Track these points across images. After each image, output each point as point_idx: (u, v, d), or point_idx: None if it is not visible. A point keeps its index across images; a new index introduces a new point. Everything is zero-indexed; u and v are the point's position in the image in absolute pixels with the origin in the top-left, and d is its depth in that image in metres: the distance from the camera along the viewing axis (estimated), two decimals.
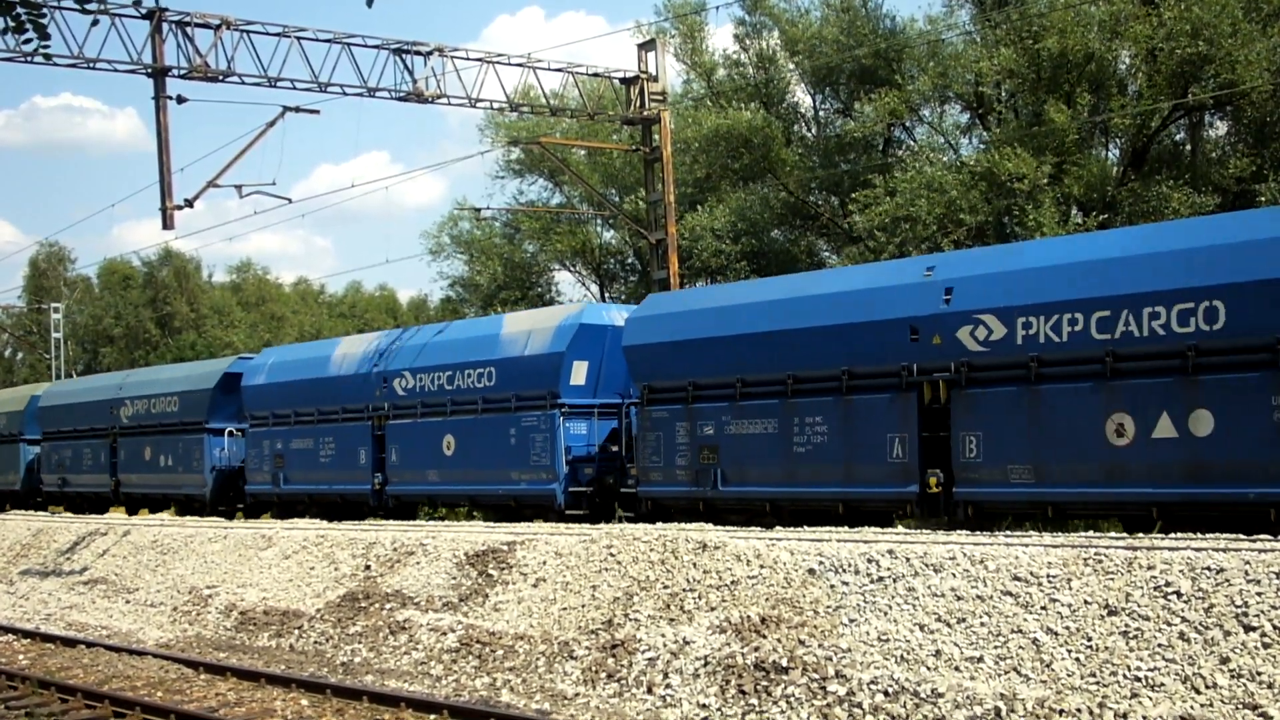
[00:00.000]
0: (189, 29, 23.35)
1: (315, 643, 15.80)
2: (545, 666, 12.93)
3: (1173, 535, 12.97)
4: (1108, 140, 32.20)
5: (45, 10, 7.08)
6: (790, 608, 12.50)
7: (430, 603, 15.75)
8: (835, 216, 36.68)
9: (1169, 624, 10.22)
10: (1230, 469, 13.59)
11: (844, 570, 12.73)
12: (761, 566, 13.39)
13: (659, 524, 17.59)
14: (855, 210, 31.51)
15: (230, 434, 28.28)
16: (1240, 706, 9.21)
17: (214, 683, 13.97)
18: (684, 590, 13.55)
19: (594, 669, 12.47)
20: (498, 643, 13.81)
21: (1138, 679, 9.83)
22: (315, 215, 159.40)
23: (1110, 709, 9.37)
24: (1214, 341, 13.74)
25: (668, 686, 11.73)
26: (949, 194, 29.13)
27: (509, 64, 26.57)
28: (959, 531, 14.93)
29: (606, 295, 44.43)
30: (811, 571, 12.95)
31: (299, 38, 24.17)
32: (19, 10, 6.76)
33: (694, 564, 13.95)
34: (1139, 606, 10.52)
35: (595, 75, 28.02)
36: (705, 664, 11.76)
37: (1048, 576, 11.33)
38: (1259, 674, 9.42)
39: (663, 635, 12.55)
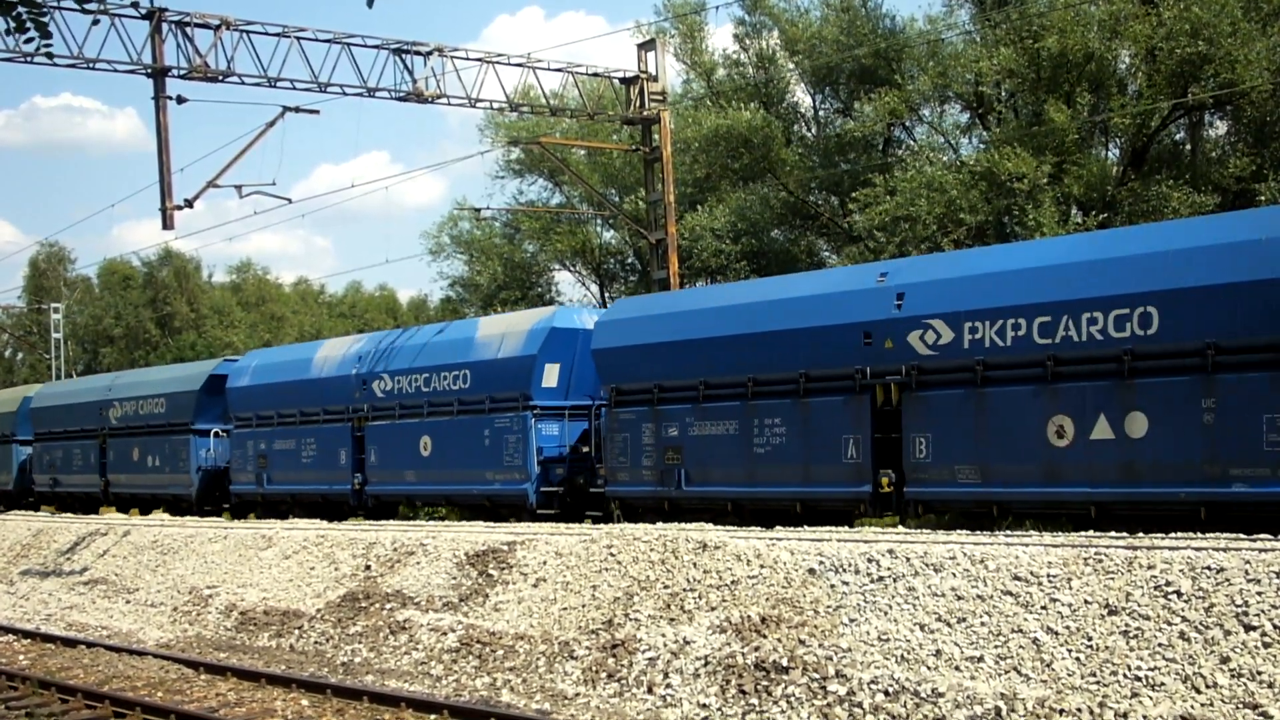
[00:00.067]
0: (189, 29, 23.35)
1: (315, 643, 15.80)
2: (545, 666, 12.93)
3: (1173, 535, 12.98)
4: (1108, 140, 32.21)
5: (46, 9, 7.08)
6: (790, 607, 12.51)
7: (430, 603, 15.75)
8: (835, 216, 36.68)
9: (1169, 623, 10.22)
10: (1163, 469, 14.10)
11: (844, 570, 12.73)
12: (762, 566, 13.39)
13: (659, 524, 17.64)
14: (855, 210, 31.51)
15: (216, 435, 28.83)
16: (1240, 706, 9.21)
17: (214, 683, 13.97)
18: (684, 590, 13.55)
19: (594, 669, 12.48)
20: (498, 643, 13.82)
21: (1138, 678, 9.83)
22: (315, 215, 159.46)
23: (1110, 709, 9.37)
24: (1148, 346, 14.25)
25: (668, 686, 11.73)
26: (949, 194, 29.13)
27: (509, 64, 26.58)
28: (959, 531, 14.96)
29: (606, 295, 44.43)
30: (812, 571, 12.95)
31: (299, 38, 24.17)
32: (19, 9, 6.76)
33: (694, 564, 13.95)
34: (1139, 606, 10.52)
35: (595, 75, 28.03)
36: (705, 664, 11.76)
37: (1048, 576, 11.33)
38: (1259, 673, 9.42)
39: (663, 635, 12.56)
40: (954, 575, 11.88)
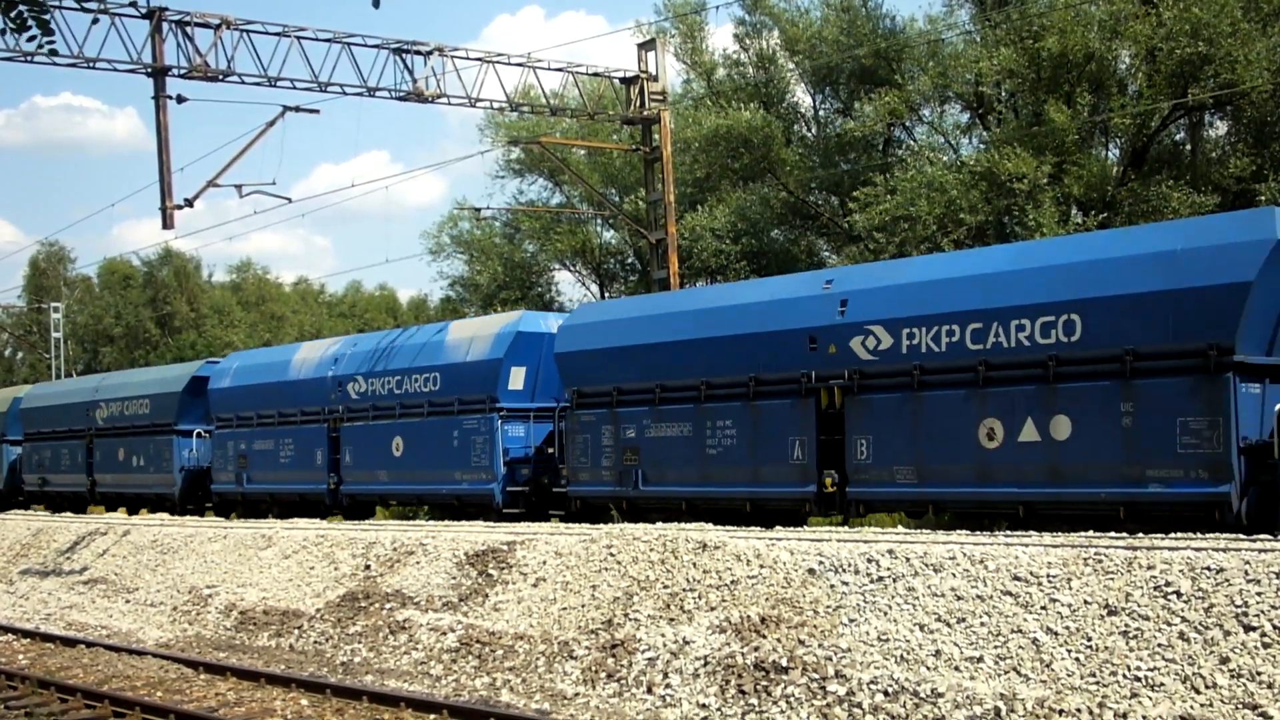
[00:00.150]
0: (189, 28, 23.35)
1: (315, 642, 15.80)
2: (545, 666, 12.93)
3: (1173, 535, 12.99)
4: (1108, 140, 32.19)
5: (47, 7, 7.08)
6: (790, 608, 12.51)
7: (430, 602, 15.75)
8: (835, 216, 36.67)
9: (1169, 624, 10.22)
10: (1086, 470, 14.66)
11: (844, 570, 12.73)
12: (761, 566, 13.39)
13: (659, 524, 17.66)
14: (856, 209, 31.51)
15: (198, 435, 29.45)
16: (1240, 706, 9.21)
17: (214, 682, 13.97)
18: (684, 590, 13.55)
19: (594, 669, 12.47)
20: (497, 642, 13.81)
21: (1138, 679, 9.83)
22: (315, 215, 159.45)
23: (1110, 709, 9.37)
24: (1072, 352, 14.83)
25: (668, 686, 11.73)
26: (949, 194, 29.13)
27: (509, 64, 26.57)
28: (959, 531, 14.97)
29: (607, 295, 44.42)
30: (811, 571, 12.95)
31: (299, 37, 24.17)
32: (21, 7, 6.77)
33: (694, 564, 13.95)
34: (1139, 606, 10.52)
35: (595, 75, 28.02)
36: (705, 664, 11.76)
37: (1048, 576, 11.33)
38: (1259, 674, 9.42)
39: (662, 635, 12.55)
40: (954, 575, 11.88)
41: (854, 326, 16.88)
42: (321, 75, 24.28)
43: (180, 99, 23.50)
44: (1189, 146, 31.89)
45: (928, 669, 10.85)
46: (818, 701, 10.61)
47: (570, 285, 66.14)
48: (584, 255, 44.67)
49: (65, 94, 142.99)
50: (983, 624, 11.16)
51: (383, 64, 24.90)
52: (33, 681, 14.26)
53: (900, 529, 16.24)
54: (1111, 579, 10.95)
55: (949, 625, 11.35)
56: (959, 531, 14.92)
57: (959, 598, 11.59)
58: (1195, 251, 14.17)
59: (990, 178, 28.88)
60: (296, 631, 16.33)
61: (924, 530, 15.41)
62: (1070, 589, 11.06)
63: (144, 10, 22.63)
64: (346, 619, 15.97)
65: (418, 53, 25.21)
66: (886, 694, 10.34)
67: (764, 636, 11.90)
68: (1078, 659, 10.32)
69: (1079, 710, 9.40)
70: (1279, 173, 27.80)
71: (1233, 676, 9.51)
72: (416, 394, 23.41)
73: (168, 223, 23.62)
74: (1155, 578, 10.72)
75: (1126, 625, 10.40)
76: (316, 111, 25.03)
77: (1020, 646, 10.70)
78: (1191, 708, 9.29)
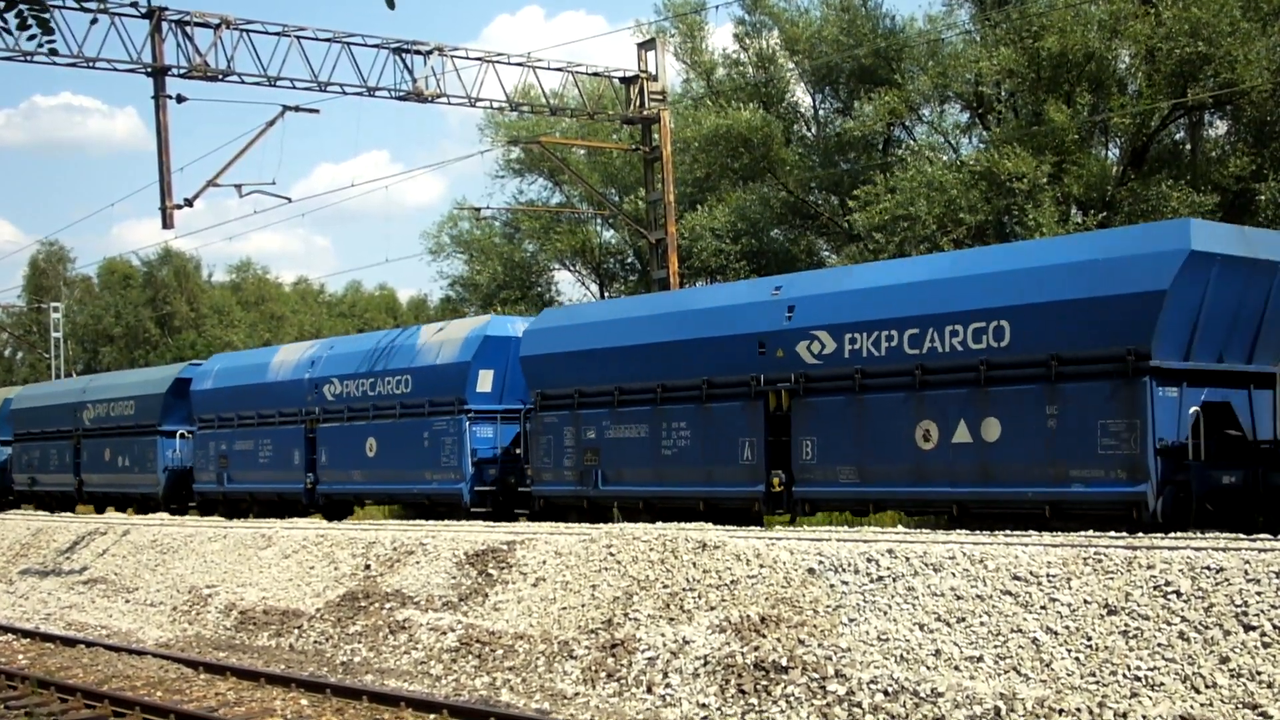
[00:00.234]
0: (189, 28, 23.35)
1: (315, 642, 15.80)
2: (545, 666, 12.93)
3: (1172, 535, 12.99)
4: (1107, 139, 32.20)
5: (48, 6, 7.08)
6: (790, 607, 12.51)
7: (430, 602, 15.75)
8: (835, 216, 36.68)
9: (1169, 623, 10.22)
10: (1013, 470, 15.31)
11: (844, 570, 12.74)
12: (761, 566, 13.39)
13: (658, 523, 17.70)
14: (856, 207, 31.52)
15: (182, 436, 30.16)
16: (1240, 706, 9.21)
17: (214, 682, 13.97)
18: (684, 590, 13.55)
19: (594, 668, 12.47)
20: (497, 642, 13.81)
21: (1137, 678, 9.83)
22: (315, 215, 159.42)
23: (1110, 708, 9.37)
24: (1001, 357, 15.47)
25: (667, 686, 11.73)
26: (949, 193, 29.13)
27: (509, 63, 26.58)
28: (959, 531, 14.99)
29: (607, 294, 44.42)
30: (811, 571, 12.95)
31: (299, 37, 24.17)
32: (21, 6, 6.77)
33: (694, 563, 13.95)
34: (1139, 606, 10.52)
35: (595, 75, 28.02)
36: (705, 663, 11.76)
37: (1047, 576, 11.33)
38: (1259, 673, 9.42)
39: (662, 635, 12.55)
40: (953, 575, 11.88)
41: (800, 332, 17.50)
42: (321, 75, 24.30)
43: (180, 99, 23.53)
44: (1189, 146, 31.90)
45: (928, 668, 10.85)
46: (818, 701, 10.61)
47: (570, 285, 66.14)
48: (584, 255, 44.67)
49: (65, 94, 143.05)
50: (982, 624, 11.16)
51: (382, 64, 24.93)
52: (32, 681, 14.25)
53: (900, 528, 16.24)
54: (1111, 578, 10.95)
55: (949, 625, 11.35)
56: (959, 531, 14.94)
57: (959, 597, 11.60)
58: (1115, 261, 14.78)
59: (990, 177, 28.88)
60: (296, 631, 16.33)
61: (923, 530, 15.41)
62: (1070, 588, 11.06)
63: (144, 10, 22.65)
64: (346, 619, 15.97)
65: (418, 53, 25.22)
66: (886, 694, 10.34)
67: (764, 636, 11.90)
68: (1078, 659, 10.32)
69: (1079, 710, 9.39)
70: (1279, 172, 27.81)
71: (1233, 676, 9.51)
72: (389, 396, 24.01)
73: (167, 222, 23.65)
74: (1155, 577, 10.72)
75: (1126, 625, 10.40)
76: (316, 111, 25.07)
77: (1020, 646, 10.70)
78: (1191, 707, 9.29)
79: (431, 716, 11.67)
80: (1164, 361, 14.46)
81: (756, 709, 10.88)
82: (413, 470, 23.41)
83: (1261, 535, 12.54)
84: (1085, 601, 10.84)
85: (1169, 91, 28.25)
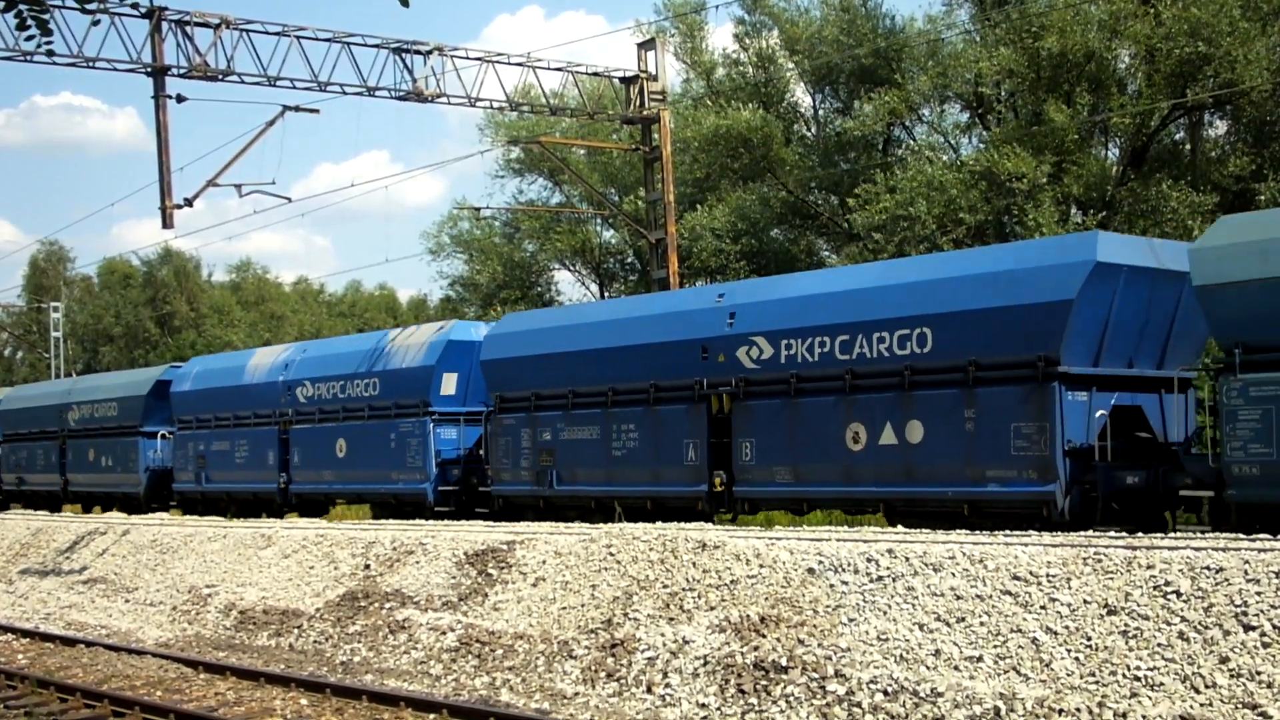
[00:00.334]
0: (188, 28, 23.36)
1: (315, 642, 15.80)
2: (545, 666, 12.93)
3: (1172, 535, 13.00)
4: (1107, 139, 32.18)
5: (47, 8, 7.09)
6: (790, 607, 12.51)
7: (430, 602, 15.75)
8: (835, 216, 36.67)
9: (1168, 623, 10.22)
10: (935, 471, 16.01)
11: (843, 569, 12.73)
12: (761, 566, 13.39)
13: (658, 523, 17.74)
14: (855, 206, 31.52)
15: (163, 437, 30.95)
16: (1240, 706, 9.21)
17: (213, 682, 13.97)
18: (683, 590, 13.55)
19: (593, 668, 12.47)
20: (497, 642, 13.81)
21: (1137, 678, 9.83)
22: (315, 214, 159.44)
23: (1110, 708, 9.37)
24: (924, 362, 16.18)
25: (667, 686, 11.73)
26: (949, 193, 29.13)
27: (509, 63, 26.58)
28: (958, 531, 14.99)
29: (607, 294, 44.42)
30: (811, 571, 12.95)
31: (299, 37, 24.17)
32: (21, 6, 6.77)
33: (693, 563, 13.95)
34: (1138, 606, 10.52)
35: (595, 75, 28.02)
36: (705, 663, 11.76)
37: (1047, 576, 11.33)
38: (1259, 673, 9.42)
39: (662, 635, 12.55)
40: (953, 575, 11.88)
41: (740, 338, 18.18)
42: (321, 75, 24.30)
43: (180, 99, 23.55)
44: (1189, 146, 31.88)
45: (927, 668, 10.85)
46: (817, 701, 10.61)
47: (570, 285, 66.14)
48: (584, 255, 44.67)
49: (65, 93, 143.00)
50: (982, 623, 11.16)
51: (382, 64, 24.94)
52: (32, 681, 14.25)
53: (901, 529, 16.24)
54: (1111, 578, 10.95)
55: (948, 625, 11.35)
56: (959, 531, 14.95)
57: (958, 597, 11.60)
58: (1027, 272, 15.48)
59: (990, 177, 28.87)
60: (296, 631, 16.33)
61: (923, 530, 15.42)
62: (1070, 588, 11.06)
63: (144, 10, 22.64)
64: (346, 618, 15.97)
65: (417, 52, 25.22)
66: (886, 693, 10.34)
67: (764, 636, 11.90)
68: (1077, 658, 10.32)
69: (1079, 710, 9.39)
70: (1278, 172, 27.81)
71: (1232, 676, 9.51)
72: (358, 398, 24.69)
73: (167, 222, 23.67)
74: (1155, 577, 10.72)
75: (1126, 625, 10.40)
76: (316, 111, 25.08)
77: (1020, 646, 10.70)
78: (1191, 707, 9.29)
79: (431, 716, 11.67)
80: (1072, 367, 15.12)
81: (756, 709, 10.88)
82: (380, 470, 24.08)
83: (1261, 535, 12.55)
84: (1085, 601, 10.84)
85: (1169, 91, 28.24)
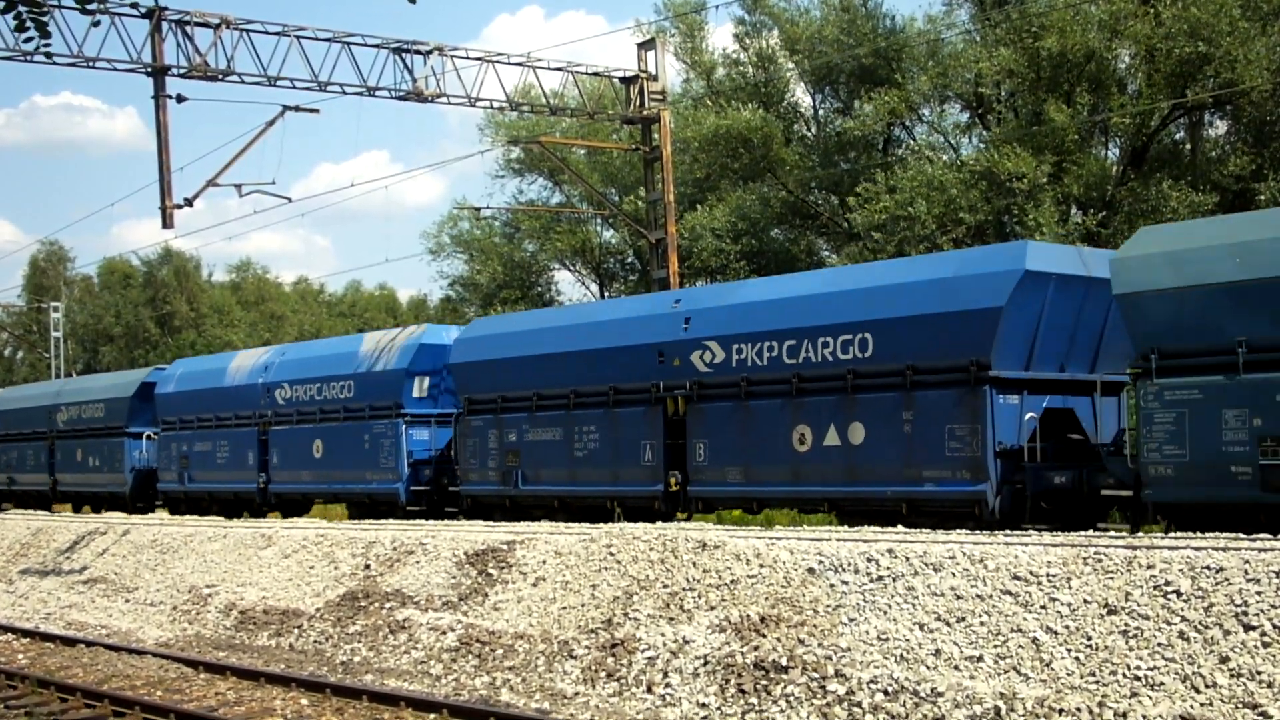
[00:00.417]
0: (188, 28, 23.36)
1: (315, 642, 15.80)
2: (545, 666, 12.94)
3: (1172, 535, 13.01)
4: (1107, 139, 32.19)
5: (46, 9, 7.09)
6: (790, 607, 12.51)
7: (430, 602, 15.75)
8: (835, 216, 36.67)
9: (1168, 623, 10.22)
10: (876, 471, 16.58)
11: (843, 569, 12.74)
12: (761, 566, 13.39)
13: (658, 523, 17.79)
14: (856, 205, 31.52)
15: (148, 438, 31.38)
16: (1240, 706, 9.21)
17: (213, 682, 13.97)
18: (684, 589, 13.55)
19: (594, 668, 12.48)
20: (497, 642, 13.81)
21: (1137, 678, 9.83)
22: (315, 214, 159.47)
23: (1110, 708, 9.37)
24: (866, 366, 16.76)
25: (667, 686, 11.73)
26: (949, 193, 29.13)
27: (509, 63, 26.58)
28: (958, 531, 15.00)
29: (606, 294, 44.42)
30: (811, 571, 12.95)
31: (299, 37, 24.17)
32: (20, 8, 6.77)
33: (694, 563, 13.95)
34: (1138, 605, 10.52)
35: (595, 74, 28.01)
36: (705, 663, 11.76)
37: (1047, 576, 11.33)
38: (1259, 673, 9.42)
39: (662, 634, 12.56)
40: (953, 575, 11.88)
41: (694, 342, 18.74)
42: (321, 75, 24.30)
43: (180, 98, 23.55)
44: (1189, 146, 31.89)
45: (927, 668, 10.86)
46: (817, 701, 10.61)
47: (570, 285, 66.14)
48: (584, 255, 44.67)
49: (65, 93, 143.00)
50: (982, 623, 11.16)
51: (382, 64, 24.94)
52: (32, 681, 14.25)
53: (903, 529, 16.25)
54: (1111, 578, 10.96)
55: (949, 624, 11.35)
56: (959, 530, 14.95)
57: (959, 597, 11.60)
58: (961, 279, 16.05)
59: (990, 177, 28.88)
60: (296, 631, 16.33)
61: (922, 530, 15.43)
62: (1070, 588, 11.06)
63: (144, 10, 22.64)
64: (346, 618, 15.97)
65: (417, 52, 25.22)
66: (886, 693, 10.35)
67: (764, 636, 11.90)
68: (1077, 658, 10.32)
69: (1079, 709, 9.40)
70: (1278, 172, 27.81)
71: (1232, 676, 9.51)
72: (334, 400, 25.25)
73: (167, 222, 23.68)
74: (1155, 577, 10.72)
75: (1126, 624, 10.40)
76: (316, 111, 25.08)
77: (1020, 646, 10.71)
78: (1191, 707, 9.29)
79: (431, 716, 11.67)
80: (1003, 371, 15.66)
81: (756, 709, 10.88)
82: (355, 471, 24.65)
83: (1261, 535, 12.56)
84: (1085, 601, 10.84)
85: (1169, 91, 28.24)
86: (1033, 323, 15.86)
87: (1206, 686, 9.49)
